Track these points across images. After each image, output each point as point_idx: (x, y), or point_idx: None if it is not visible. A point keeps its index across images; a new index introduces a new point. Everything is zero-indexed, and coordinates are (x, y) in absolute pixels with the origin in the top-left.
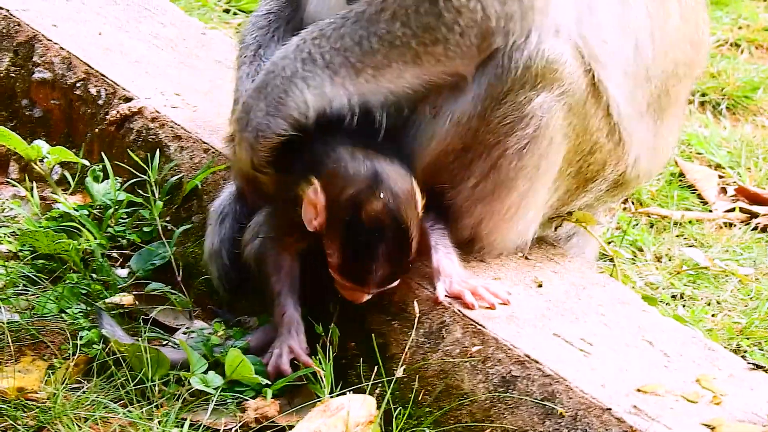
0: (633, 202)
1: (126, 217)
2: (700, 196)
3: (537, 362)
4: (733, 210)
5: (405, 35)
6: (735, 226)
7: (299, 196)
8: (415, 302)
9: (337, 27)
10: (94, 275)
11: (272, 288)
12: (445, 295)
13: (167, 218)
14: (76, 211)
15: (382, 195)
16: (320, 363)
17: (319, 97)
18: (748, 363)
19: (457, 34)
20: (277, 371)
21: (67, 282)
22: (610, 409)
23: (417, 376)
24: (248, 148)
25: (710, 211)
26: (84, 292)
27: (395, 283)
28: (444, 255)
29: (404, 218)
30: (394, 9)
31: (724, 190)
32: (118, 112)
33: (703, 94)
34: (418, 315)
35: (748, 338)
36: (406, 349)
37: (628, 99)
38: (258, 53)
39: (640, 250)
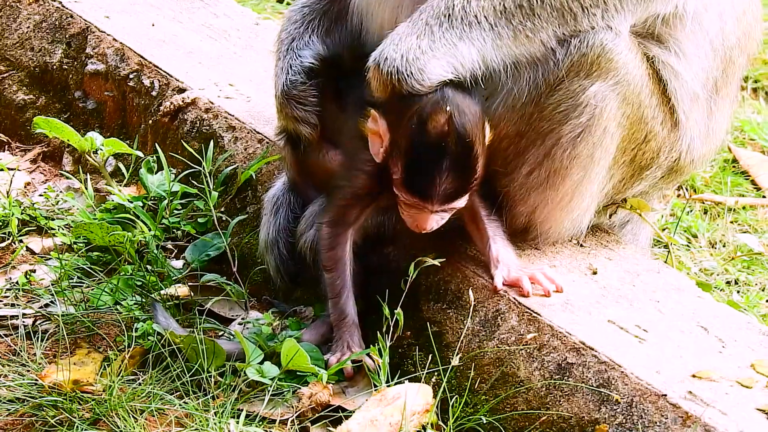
0: (687, 189)
1: (180, 208)
2: (753, 182)
3: (592, 349)
4: None
5: None
6: None
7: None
8: (470, 290)
9: None
10: (148, 267)
11: (331, 286)
12: (504, 283)
13: (222, 209)
14: (131, 202)
15: (448, 108)
16: (379, 352)
17: (483, 59)
18: None
19: None
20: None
21: (121, 274)
22: (665, 395)
23: (473, 364)
24: (406, 83)
25: (764, 197)
26: (139, 283)
27: (460, 203)
28: (502, 245)
29: (470, 133)
30: None
31: None
32: (171, 103)
33: (756, 81)
34: (473, 303)
35: None
36: (462, 338)
37: (703, 77)
38: (291, 46)
39: (695, 236)
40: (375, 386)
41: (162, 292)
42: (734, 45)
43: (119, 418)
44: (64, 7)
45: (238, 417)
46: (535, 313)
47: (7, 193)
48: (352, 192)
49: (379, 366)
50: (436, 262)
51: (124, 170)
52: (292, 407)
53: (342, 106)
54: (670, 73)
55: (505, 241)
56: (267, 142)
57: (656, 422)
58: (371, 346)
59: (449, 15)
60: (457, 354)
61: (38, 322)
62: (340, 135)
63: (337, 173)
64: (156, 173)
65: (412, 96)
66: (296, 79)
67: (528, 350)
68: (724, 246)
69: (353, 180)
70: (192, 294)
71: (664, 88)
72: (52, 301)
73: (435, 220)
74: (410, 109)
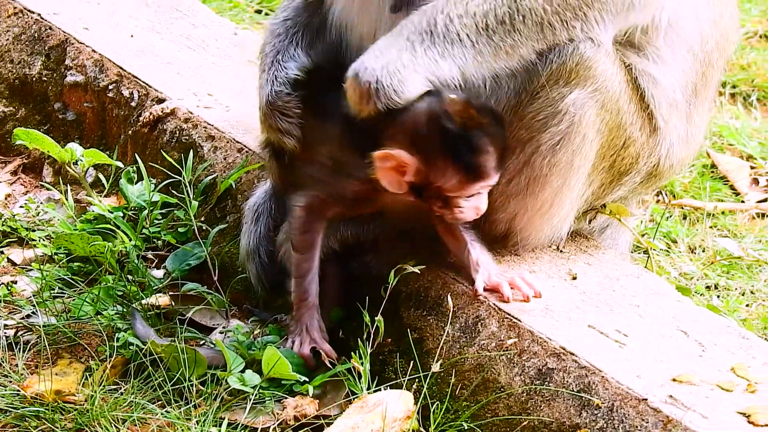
0: (666, 194)
1: (161, 218)
2: (732, 187)
3: (573, 354)
4: (765, 200)
5: (546, 11)
6: (767, 216)
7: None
8: (449, 297)
9: (479, 3)
10: (129, 277)
11: (297, 266)
12: (484, 288)
13: (202, 218)
14: (111, 213)
15: (453, 95)
16: (360, 359)
17: (460, 75)
18: None
19: (596, 10)
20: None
21: (102, 284)
22: (646, 399)
23: (453, 370)
24: (384, 97)
25: (743, 201)
26: (120, 293)
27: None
28: (480, 250)
29: (484, 102)
30: None
31: (756, 181)
32: (151, 113)
33: (734, 86)
34: (453, 309)
35: None
36: (442, 344)
37: (682, 83)
38: (276, 59)
39: (674, 241)
40: (354, 393)
41: (143, 301)
42: (713, 48)
43: (101, 428)
44: (43, 19)
45: (220, 425)
46: (516, 318)
47: None
48: (337, 191)
49: (359, 373)
50: (416, 270)
51: (104, 181)
52: (274, 415)
53: (327, 117)
54: (649, 81)
55: (482, 246)
56: (246, 151)
57: (637, 426)
58: (352, 353)
59: (431, 32)
60: (438, 360)
61: (20, 333)
62: (325, 145)
63: (322, 170)
64: (136, 183)
65: (397, 118)
66: (281, 90)
67: (508, 356)
68: (703, 251)
69: (343, 182)
70: (173, 303)
71: (642, 95)
72: (33, 312)
73: (485, 198)
74: (420, 120)
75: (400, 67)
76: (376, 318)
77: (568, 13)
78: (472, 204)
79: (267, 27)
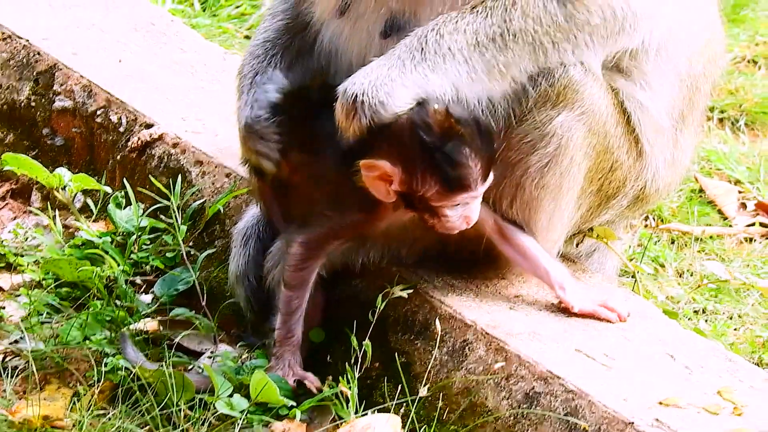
0: (654, 219)
1: (149, 243)
2: (720, 212)
3: (559, 378)
4: (753, 225)
5: (537, 32)
6: (755, 240)
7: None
8: (437, 321)
9: (470, 22)
10: (117, 302)
11: (287, 303)
12: (580, 312)
13: (190, 243)
14: (99, 238)
15: (436, 105)
16: (348, 383)
17: (455, 91)
18: None
19: (586, 33)
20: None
21: (90, 309)
22: (632, 422)
23: (441, 394)
24: (372, 113)
25: (730, 226)
26: (108, 319)
27: (491, 178)
28: (553, 264)
29: (468, 112)
30: (523, 6)
31: (744, 206)
32: (139, 138)
33: (722, 111)
34: (440, 333)
35: None
36: (430, 368)
37: (668, 107)
38: (255, 81)
39: (662, 266)
40: (341, 418)
41: (131, 326)
42: (700, 73)
43: None
44: (31, 44)
45: None
46: (503, 342)
47: None
48: (341, 224)
49: (347, 397)
50: (404, 294)
51: (92, 206)
52: None
53: (312, 138)
54: (635, 105)
55: (552, 257)
56: (234, 176)
57: None
58: (340, 377)
59: (422, 49)
60: (426, 384)
61: (8, 358)
62: (322, 177)
63: (319, 202)
64: (124, 208)
65: (382, 129)
66: (260, 114)
67: (496, 380)
68: (691, 275)
69: (346, 214)
70: (161, 328)
71: (629, 119)
72: (21, 337)
73: (478, 207)
74: (401, 131)
75: (387, 81)
76: (363, 342)
77: (558, 34)
78: (460, 213)
79: (247, 48)
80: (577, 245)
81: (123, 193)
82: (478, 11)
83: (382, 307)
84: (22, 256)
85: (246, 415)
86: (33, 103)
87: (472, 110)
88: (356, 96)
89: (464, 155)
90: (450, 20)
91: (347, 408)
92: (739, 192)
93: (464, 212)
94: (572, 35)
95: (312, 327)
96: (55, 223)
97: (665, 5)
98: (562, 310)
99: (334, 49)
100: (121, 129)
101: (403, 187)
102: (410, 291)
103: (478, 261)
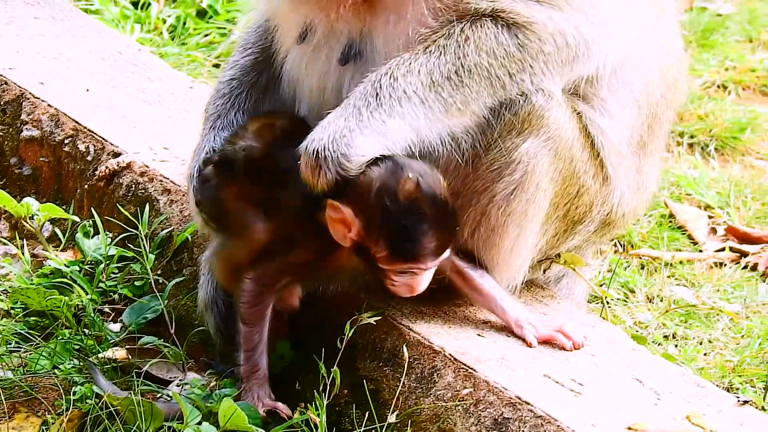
0: (624, 245)
1: (117, 271)
2: (690, 237)
3: (528, 404)
4: (723, 250)
5: (492, 66)
6: (725, 265)
7: (317, 223)
8: (405, 347)
9: (423, 63)
10: (86, 331)
11: (247, 339)
12: (539, 341)
13: (159, 272)
14: (68, 267)
15: (410, 174)
16: (316, 410)
17: (416, 133)
18: (738, 399)
19: (541, 61)
20: None
21: (59, 338)
22: None
23: (410, 421)
24: (337, 167)
25: (700, 251)
26: (77, 347)
27: (447, 254)
28: (511, 302)
29: (439, 188)
30: (476, 41)
31: (714, 230)
32: (106, 167)
33: (692, 136)
34: (408, 360)
35: (740, 376)
36: (398, 394)
37: (627, 134)
38: (215, 125)
39: (632, 291)
40: None
41: (100, 355)
42: (659, 101)
43: None
44: None
45: None
46: (471, 368)
47: None
48: (290, 263)
49: (316, 425)
50: (372, 321)
51: (60, 235)
52: None
53: (277, 176)
54: (597, 130)
55: (507, 295)
56: None
57: None
58: (308, 405)
59: (377, 94)
60: (394, 411)
61: None
62: (275, 206)
63: (271, 240)
64: (92, 237)
65: (348, 180)
66: (205, 168)
67: (464, 406)
68: (661, 300)
69: (296, 252)
70: (130, 357)
71: (593, 143)
72: None
73: (426, 279)
74: (370, 187)
75: (346, 132)
76: (332, 369)
77: (514, 65)
78: (404, 281)
79: (215, 84)
80: (544, 271)
81: (91, 222)
82: (431, 50)
83: (350, 334)
84: None
85: None
86: (1, 133)
87: (441, 186)
88: (317, 152)
89: (421, 232)
90: (403, 62)
91: None
92: (709, 217)
93: (410, 281)
94: (527, 65)
95: (277, 341)
96: (23, 253)
97: (618, 32)
98: None
99: (296, 77)
100: (89, 158)
101: (359, 238)
102: (378, 318)
103: (445, 289)
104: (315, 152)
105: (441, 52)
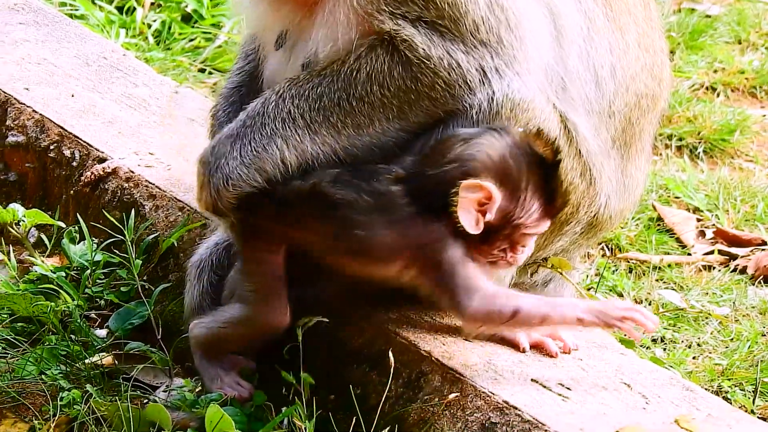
0: (612, 248)
1: (103, 277)
2: (678, 240)
3: (516, 408)
4: (711, 252)
5: (385, 96)
6: (714, 268)
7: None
8: (391, 352)
9: (315, 86)
10: (72, 336)
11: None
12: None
13: (145, 277)
14: (54, 273)
15: (519, 128)
16: (300, 417)
17: (300, 155)
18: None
19: (438, 92)
20: None
21: (46, 344)
22: None
23: (397, 426)
24: (215, 192)
25: (689, 254)
26: (63, 353)
27: None
28: None
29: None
30: (368, 70)
31: (702, 233)
32: (92, 173)
33: (680, 138)
34: (395, 365)
35: (729, 379)
36: (384, 399)
37: (594, 136)
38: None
39: (620, 295)
40: None
41: (86, 361)
42: (623, 108)
43: None
44: None
45: None
46: (458, 373)
47: None
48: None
49: (303, 430)
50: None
51: (46, 241)
52: None
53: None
54: (572, 125)
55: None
56: (188, 210)
57: None
58: (294, 411)
59: (264, 113)
60: (381, 416)
61: None
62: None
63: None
64: (78, 243)
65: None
66: None
67: (452, 411)
68: (649, 304)
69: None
70: (116, 363)
71: (573, 139)
72: None
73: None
74: (503, 154)
75: (228, 154)
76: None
77: (408, 96)
78: (531, 247)
79: (221, 91)
80: (531, 275)
81: (77, 227)
82: (323, 74)
83: (302, 338)
84: None
85: None
86: None
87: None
88: (202, 171)
89: (555, 175)
90: (295, 84)
91: None
92: (698, 220)
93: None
94: (423, 95)
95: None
96: (9, 259)
97: (541, 57)
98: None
99: (270, 84)
100: (74, 163)
101: (501, 212)
102: (367, 322)
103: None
104: (200, 170)
105: (333, 78)
